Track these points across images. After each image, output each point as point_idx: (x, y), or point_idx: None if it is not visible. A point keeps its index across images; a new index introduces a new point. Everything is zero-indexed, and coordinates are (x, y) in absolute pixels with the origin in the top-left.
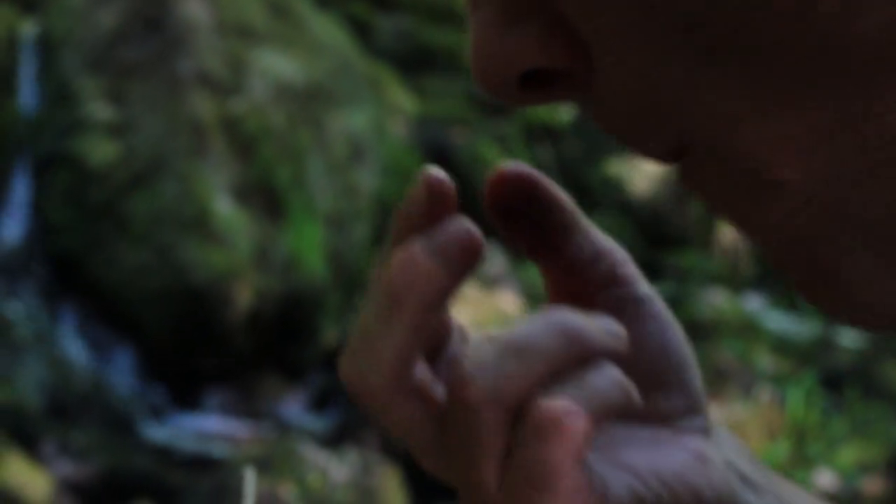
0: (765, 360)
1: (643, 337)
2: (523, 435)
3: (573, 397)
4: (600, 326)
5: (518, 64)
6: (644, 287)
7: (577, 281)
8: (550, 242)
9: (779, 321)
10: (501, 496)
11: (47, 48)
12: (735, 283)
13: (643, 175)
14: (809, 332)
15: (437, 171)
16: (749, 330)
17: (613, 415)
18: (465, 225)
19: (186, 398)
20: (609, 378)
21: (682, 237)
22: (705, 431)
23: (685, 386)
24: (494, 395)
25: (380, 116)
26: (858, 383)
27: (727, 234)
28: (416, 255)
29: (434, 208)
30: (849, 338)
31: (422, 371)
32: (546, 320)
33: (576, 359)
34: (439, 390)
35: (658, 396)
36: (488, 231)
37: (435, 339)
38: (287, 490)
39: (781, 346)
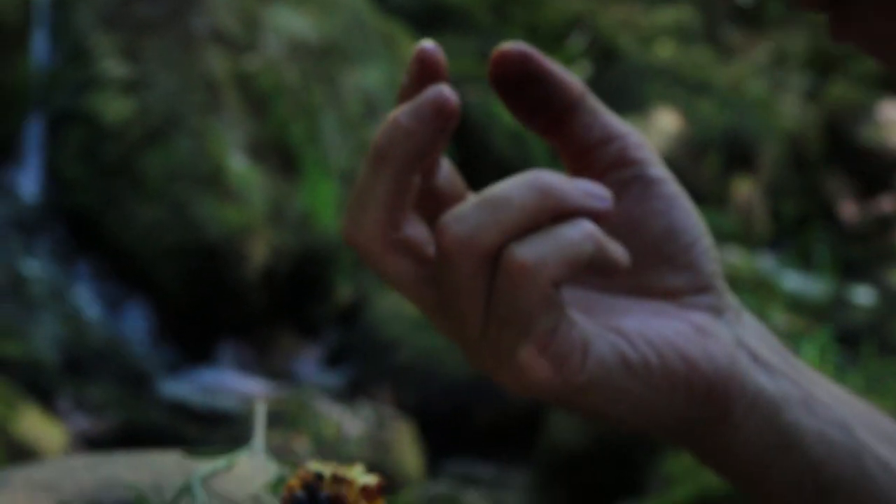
0: (779, 318)
1: (648, 215)
2: (498, 282)
3: (544, 247)
4: (579, 186)
5: None
6: (656, 170)
7: (587, 160)
8: (557, 120)
9: (793, 280)
10: (486, 342)
11: (61, 5)
12: (750, 241)
13: (659, 133)
14: (824, 290)
15: (428, 44)
16: (763, 288)
17: (586, 265)
18: (440, 89)
19: (201, 354)
20: (582, 231)
21: (697, 195)
22: (715, 309)
23: (694, 265)
24: (468, 242)
25: (393, 73)
26: (873, 340)
27: (742, 193)
28: (397, 116)
29: (424, 77)
30: (863, 295)
31: (417, 230)
32: (524, 178)
33: (550, 213)
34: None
35: (665, 273)
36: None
37: (436, 206)
38: (301, 443)
39: (796, 304)
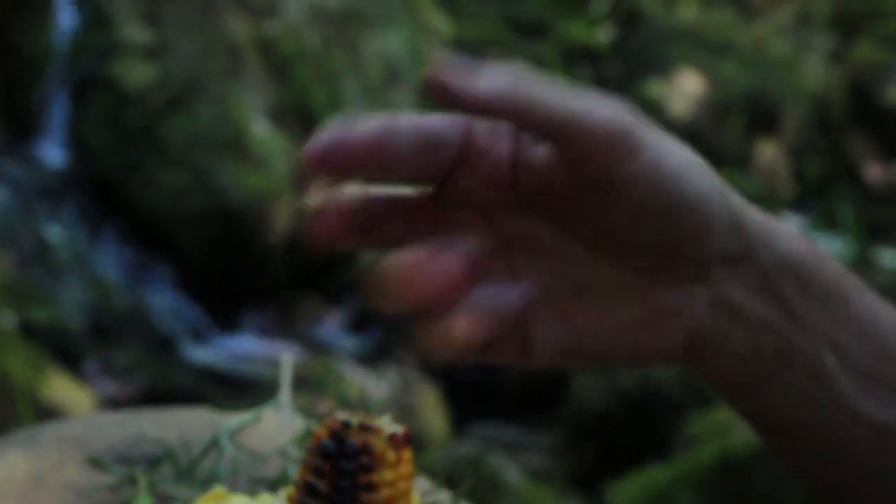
0: None
1: (616, 215)
2: None
3: None
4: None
5: None
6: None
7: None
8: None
9: (818, 242)
10: None
11: None
12: (773, 203)
13: (682, 96)
14: (849, 251)
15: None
16: None
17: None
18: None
19: (225, 319)
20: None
21: (721, 156)
22: (698, 274)
23: (673, 241)
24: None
25: (415, 38)
26: None
27: (765, 155)
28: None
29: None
30: (889, 257)
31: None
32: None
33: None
34: None
35: (644, 254)
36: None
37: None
38: (326, 406)
39: None
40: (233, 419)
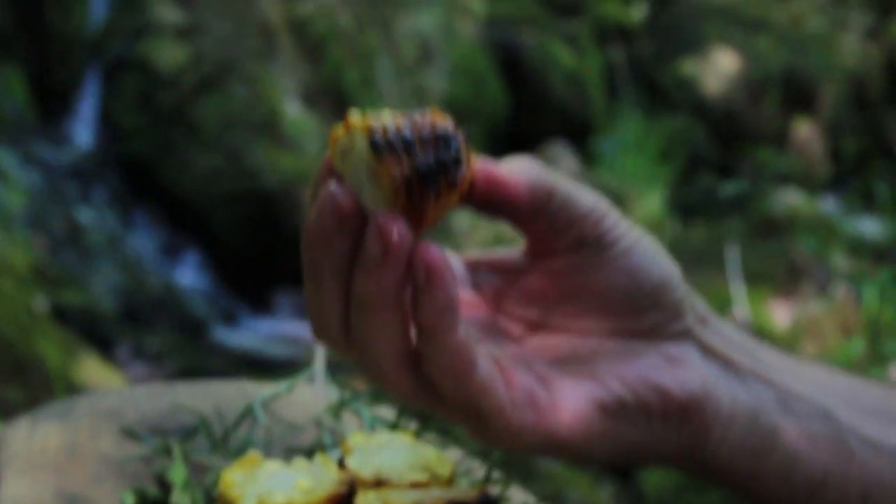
0: (840, 259)
1: (610, 275)
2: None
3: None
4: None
5: None
6: (611, 234)
7: (548, 244)
8: (523, 221)
9: (854, 222)
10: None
11: None
12: (809, 182)
13: (716, 74)
14: (885, 231)
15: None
16: (824, 229)
17: None
18: (330, 187)
19: (258, 302)
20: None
21: (756, 135)
22: (684, 332)
23: (659, 303)
24: None
25: (448, 17)
26: None
27: (801, 133)
28: (305, 224)
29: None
30: None
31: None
32: None
33: None
34: None
35: (635, 315)
36: (559, 134)
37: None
38: (360, 387)
39: (856, 245)
40: (267, 389)
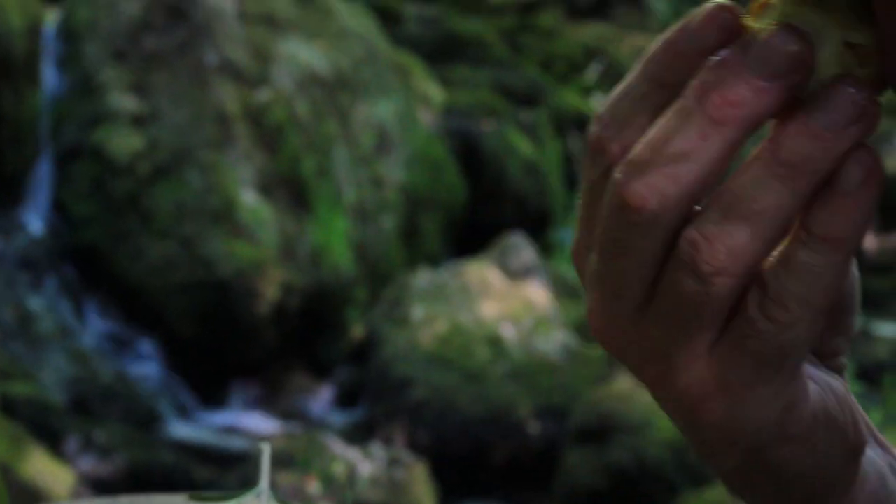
0: None
1: None
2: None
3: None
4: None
5: None
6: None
7: None
8: None
9: None
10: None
11: (71, 37)
12: None
13: None
14: None
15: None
16: None
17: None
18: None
19: (212, 393)
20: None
21: None
22: (839, 369)
23: (847, 328)
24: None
25: (407, 106)
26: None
27: None
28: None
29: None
30: (887, 328)
31: None
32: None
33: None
34: None
35: (830, 337)
36: (517, 224)
37: None
38: (313, 485)
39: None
40: None
